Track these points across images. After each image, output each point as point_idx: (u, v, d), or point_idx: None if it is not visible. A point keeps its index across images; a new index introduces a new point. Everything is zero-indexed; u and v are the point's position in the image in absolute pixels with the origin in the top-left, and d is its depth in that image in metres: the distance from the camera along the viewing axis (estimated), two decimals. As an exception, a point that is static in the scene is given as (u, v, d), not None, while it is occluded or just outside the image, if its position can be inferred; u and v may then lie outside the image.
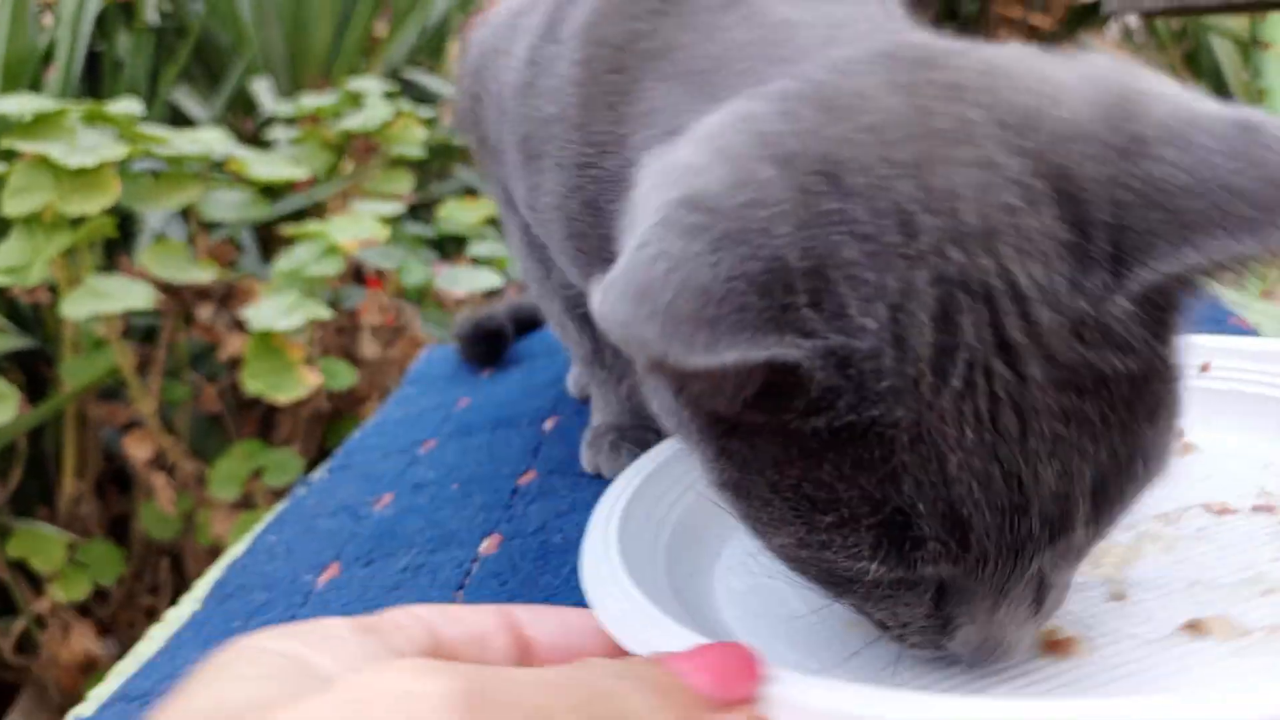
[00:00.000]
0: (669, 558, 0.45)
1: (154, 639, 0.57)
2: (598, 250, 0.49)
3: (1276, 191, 0.29)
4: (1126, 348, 0.31)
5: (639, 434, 0.62)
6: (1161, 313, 0.31)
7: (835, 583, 0.36)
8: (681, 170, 0.33)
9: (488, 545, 0.56)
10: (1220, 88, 2.69)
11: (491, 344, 0.91)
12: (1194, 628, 0.37)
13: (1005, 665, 0.37)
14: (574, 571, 0.51)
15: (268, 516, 0.70)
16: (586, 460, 0.64)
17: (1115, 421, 0.31)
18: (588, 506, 0.58)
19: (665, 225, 0.31)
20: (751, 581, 0.44)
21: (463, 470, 0.68)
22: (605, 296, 0.30)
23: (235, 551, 0.65)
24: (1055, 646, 0.38)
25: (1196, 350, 0.37)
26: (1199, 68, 2.79)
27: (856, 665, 0.38)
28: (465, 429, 0.75)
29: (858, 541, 0.32)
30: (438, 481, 0.66)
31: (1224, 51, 2.61)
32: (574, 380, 0.79)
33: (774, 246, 0.30)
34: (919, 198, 0.31)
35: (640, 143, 0.43)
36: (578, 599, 0.48)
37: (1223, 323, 0.68)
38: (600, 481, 0.62)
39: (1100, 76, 0.34)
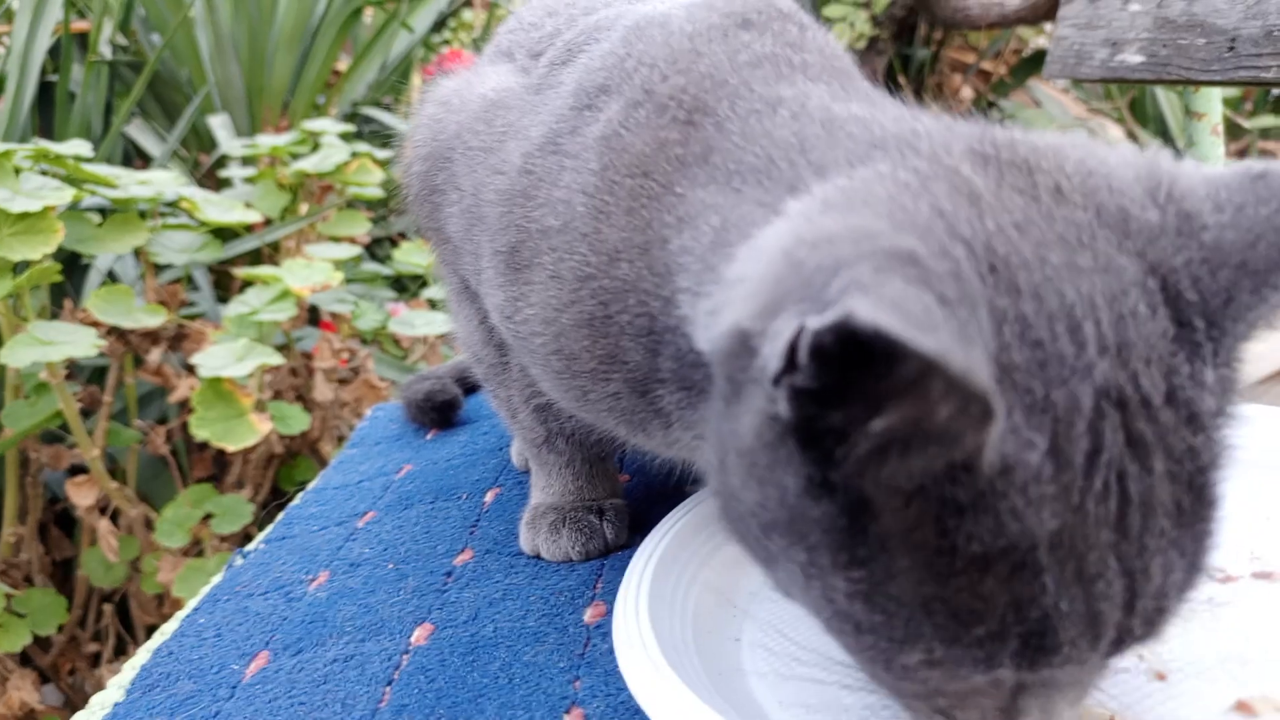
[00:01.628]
0: (696, 623, 0.47)
1: (78, 728, 0.56)
2: (587, 361, 0.49)
3: None
4: (1213, 425, 0.33)
5: (580, 515, 0.62)
6: (1235, 382, 0.34)
7: (938, 693, 0.35)
8: (871, 232, 0.32)
9: (419, 635, 0.56)
10: (1164, 133, 2.77)
11: (442, 413, 0.90)
12: (1243, 708, 0.39)
13: None
14: (502, 669, 0.51)
15: (204, 591, 0.69)
16: (525, 541, 0.64)
17: (1198, 512, 0.33)
18: (522, 594, 0.58)
19: (883, 268, 0.29)
20: (776, 664, 0.46)
21: (399, 548, 0.67)
22: (875, 304, 0.27)
23: (167, 630, 0.64)
24: None
25: None
26: (1143, 115, 2.86)
27: None
28: (405, 500, 0.75)
29: (998, 650, 0.32)
30: (373, 560, 0.66)
31: (1167, 100, 2.68)
32: (517, 452, 0.79)
33: (979, 323, 0.30)
34: (1080, 305, 0.32)
35: (681, 245, 0.43)
36: (504, 699, 0.48)
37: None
38: (536, 563, 0.62)
39: (1134, 161, 0.37)
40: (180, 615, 0.66)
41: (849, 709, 0.43)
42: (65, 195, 1.30)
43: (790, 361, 0.28)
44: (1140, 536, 0.32)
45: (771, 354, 0.29)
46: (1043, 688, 0.35)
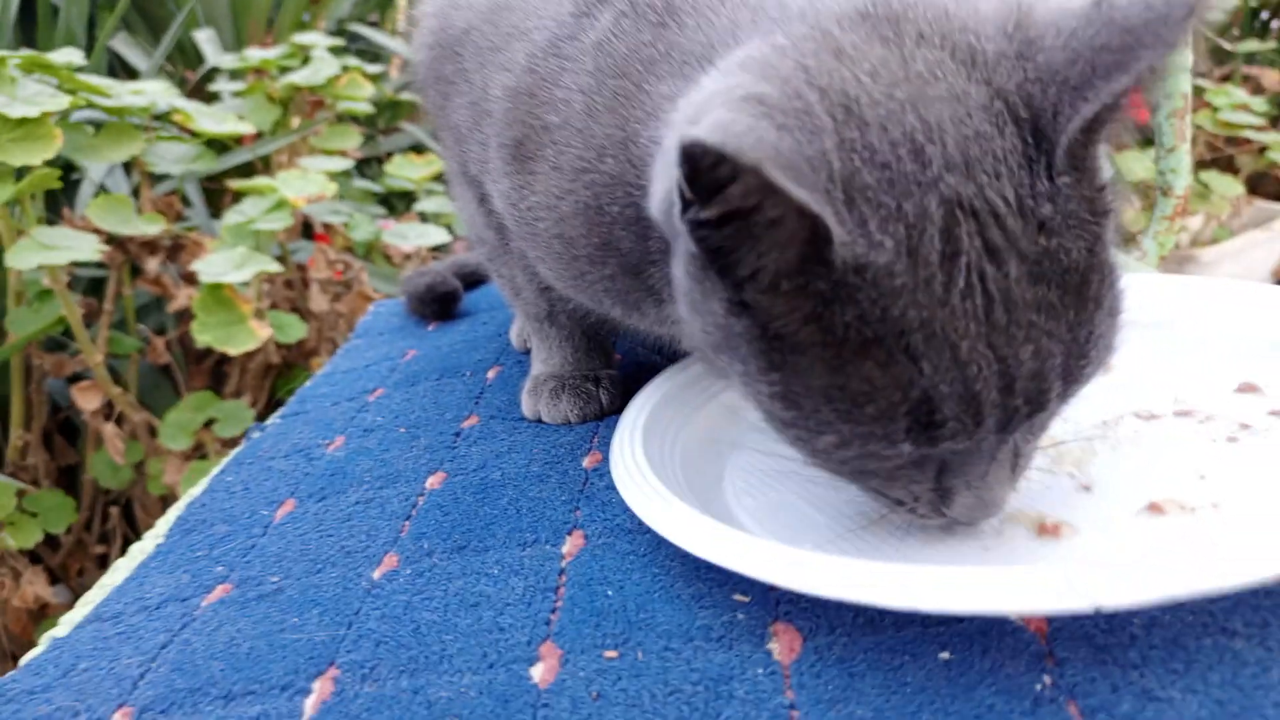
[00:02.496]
0: (684, 466, 0.53)
1: (119, 569, 0.61)
2: (584, 246, 0.54)
3: (1125, 35, 0.37)
4: (1072, 230, 0.39)
5: (578, 383, 0.67)
6: (1092, 186, 0.40)
7: (866, 472, 0.42)
8: (737, 86, 0.39)
9: (433, 481, 0.61)
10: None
11: (443, 304, 0.95)
12: (1154, 508, 0.46)
13: (1010, 546, 0.44)
14: (510, 503, 0.56)
15: (224, 460, 0.74)
16: (527, 407, 0.69)
17: (1074, 308, 0.39)
18: (525, 448, 0.64)
19: (732, 106, 0.37)
20: (755, 486, 0.53)
21: (409, 415, 0.72)
22: (709, 127, 0.35)
23: (194, 491, 0.69)
24: (1046, 530, 0.46)
25: None
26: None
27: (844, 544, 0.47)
28: (411, 379, 0.80)
29: (894, 428, 0.39)
30: (386, 426, 0.71)
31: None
32: (517, 333, 0.83)
33: (822, 149, 0.37)
34: (922, 130, 0.38)
35: (650, 137, 0.48)
36: (513, 525, 0.54)
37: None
38: (537, 425, 0.67)
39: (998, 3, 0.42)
40: (206, 478, 0.71)
41: (818, 526, 0.48)
42: (62, 102, 1.31)
43: (687, 205, 0.36)
44: (1008, 328, 0.38)
45: (678, 201, 0.37)
46: (965, 466, 0.42)
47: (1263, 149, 2.70)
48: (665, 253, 0.50)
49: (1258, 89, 2.87)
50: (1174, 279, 0.66)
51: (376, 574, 0.51)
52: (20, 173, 1.31)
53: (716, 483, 0.54)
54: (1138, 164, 2.37)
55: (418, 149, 2.56)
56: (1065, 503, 0.47)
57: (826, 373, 0.39)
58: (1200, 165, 2.81)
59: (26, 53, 1.39)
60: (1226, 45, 2.75)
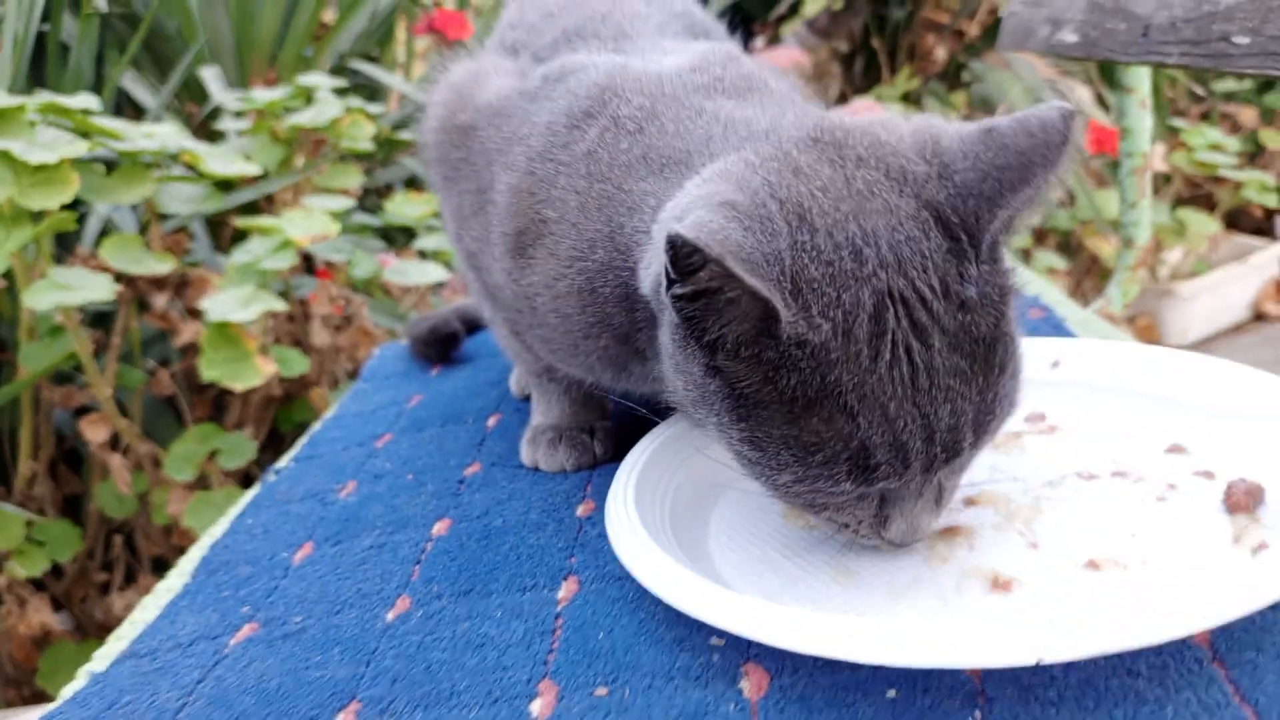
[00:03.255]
0: (673, 519, 0.59)
1: (147, 607, 0.66)
2: (579, 322, 0.62)
3: (1020, 158, 0.48)
4: (986, 308, 0.48)
5: (574, 434, 0.73)
6: (1000, 274, 0.49)
7: (816, 504, 0.51)
8: (715, 193, 0.49)
9: (439, 528, 0.67)
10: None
11: (445, 346, 1.01)
12: (1092, 564, 0.52)
13: (967, 599, 0.51)
14: (511, 549, 0.62)
15: (242, 501, 0.79)
16: (526, 455, 0.75)
17: (983, 374, 0.48)
18: (524, 495, 0.69)
19: (710, 209, 0.47)
20: (737, 540, 0.59)
21: (416, 462, 0.78)
22: (689, 224, 0.45)
23: (216, 532, 0.74)
24: (999, 585, 0.52)
25: (1051, 349, 0.66)
26: (1111, 77, 2.96)
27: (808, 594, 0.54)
28: (417, 424, 0.85)
29: (837, 471, 0.48)
30: (394, 472, 0.76)
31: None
32: (515, 381, 0.89)
33: (777, 249, 0.46)
34: (861, 235, 0.47)
35: (634, 227, 0.57)
36: (514, 571, 0.59)
37: (1070, 334, 0.82)
38: (535, 473, 0.73)
39: (917, 129, 0.52)
40: (225, 518, 0.76)
41: (793, 579, 0.54)
42: (79, 148, 1.37)
43: (667, 276, 0.45)
44: (930, 391, 0.47)
45: (662, 285, 0.46)
46: (898, 500, 0.50)
47: (1239, 185, 2.78)
48: (651, 322, 0.58)
49: (1235, 127, 2.95)
50: (1115, 345, 0.72)
51: (391, 615, 0.57)
52: (37, 215, 1.36)
53: (702, 530, 0.60)
54: (1110, 202, 2.45)
55: (415, 182, 2.63)
56: (1015, 560, 0.53)
57: (783, 424, 0.47)
58: (1179, 202, 2.89)
59: (44, 98, 1.45)
60: (1199, 89, 2.83)
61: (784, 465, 0.48)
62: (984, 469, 0.61)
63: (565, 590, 0.57)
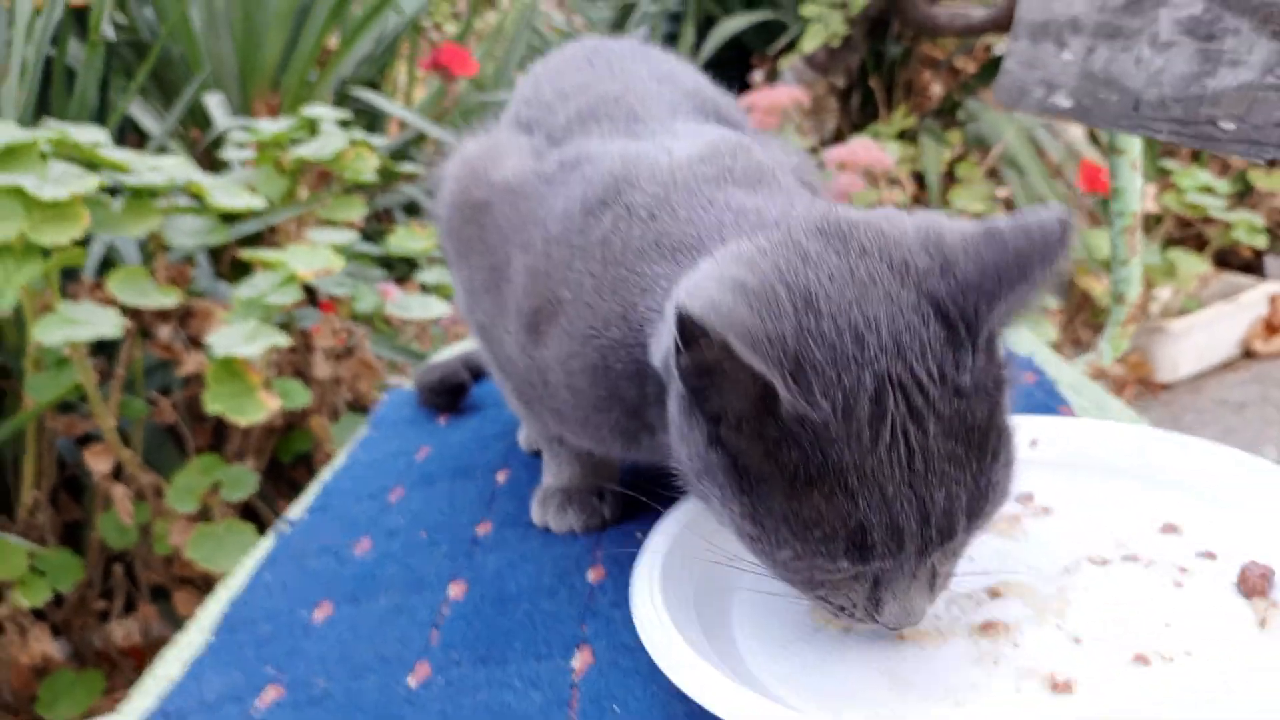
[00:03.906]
0: (697, 599, 0.61)
1: (170, 661, 0.68)
2: (591, 396, 0.65)
3: (1019, 256, 0.50)
4: (981, 396, 0.50)
5: (584, 497, 0.76)
6: (995, 365, 0.52)
7: (813, 583, 0.53)
8: (727, 273, 0.52)
9: (455, 590, 0.69)
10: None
11: (454, 396, 1.04)
12: (1140, 659, 0.53)
13: (1034, 707, 0.51)
14: (525, 616, 0.64)
15: (257, 553, 0.81)
16: (536, 515, 0.77)
17: (976, 460, 0.50)
18: (536, 558, 0.72)
19: (720, 288, 0.50)
20: (769, 644, 0.59)
21: (428, 518, 0.80)
22: (700, 302, 0.48)
23: (233, 585, 0.76)
24: (1059, 687, 0.52)
25: (1035, 428, 0.67)
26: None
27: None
28: (428, 478, 0.88)
29: (834, 549, 0.49)
30: (408, 528, 0.79)
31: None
32: (524, 437, 0.92)
33: (781, 330, 0.49)
34: (863, 321, 0.49)
35: (647, 307, 0.60)
36: (528, 638, 0.62)
37: (1055, 410, 0.84)
38: (546, 535, 0.75)
39: (920, 225, 0.55)
40: (243, 572, 0.78)
41: (848, 690, 0.54)
42: (90, 183, 1.39)
43: (676, 351, 0.48)
44: (925, 474, 0.49)
45: (671, 363, 0.49)
46: (891, 580, 0.52)
47: (1229, 225, 2.83)
48: (660, 398, 0.60)
49: (1225, 167, 3.00)
50: (1094, 425, 0.74)
51: (412, 682, 0.59)
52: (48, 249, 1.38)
53: (727, 630, 0.60)
54: (1101, 241, 2.49)
55: (415, 209, 2.65)
56: (1064, 657, 0.54)
57: (783, 500, 0.49)
58: (1170, 239, 2.94)
59: (54, 131, 1.47)
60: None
61: (784, 541, 0.50)
62: (993, 556, 0.61)
63: (579, 660, 0.59)
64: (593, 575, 0.68)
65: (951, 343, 0.50)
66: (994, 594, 0.60)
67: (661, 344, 0.56)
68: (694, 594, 0.61)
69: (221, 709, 0.59)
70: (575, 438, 0.71)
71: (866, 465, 0.48)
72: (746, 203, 0.61)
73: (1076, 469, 0.71)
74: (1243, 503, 0.65)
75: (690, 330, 0.46)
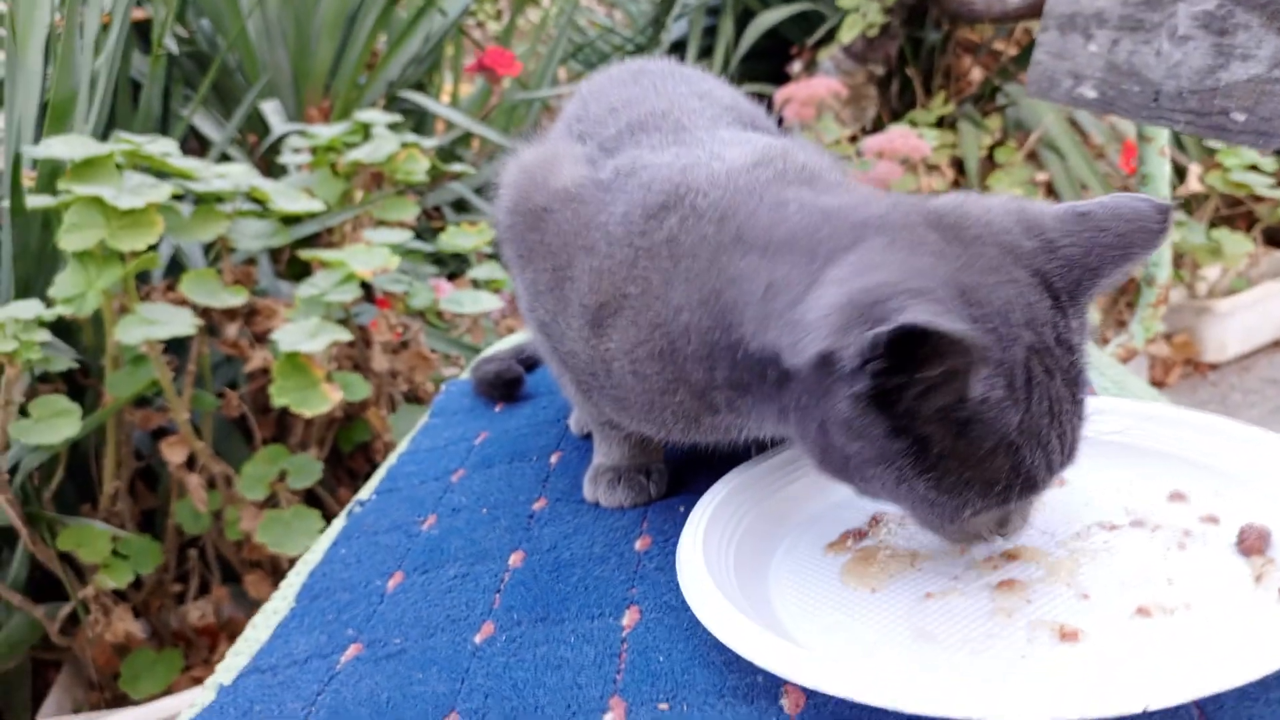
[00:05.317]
0: (736, 563, 0.66)
1: (258, 627, 0.76)
2: (658, 380, 0.70)
3: (1120, 238, 0.59)
4: (1079, 350, 0.59)
5: (632, 475, 0.82)
6: (1084, 323, 0.60)
7: (961, 525, 0.61)
8: (899, 282, 0.54)
9: (515, 559, 0.75)
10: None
11: (510, 388, 1.10)
12: (1142, 611, 0.59)
13: (1040, 651, 0.56)
14: (579, 581, 0.70)
15: (332, 531, 0.88)
16: (588, 492, 0.84)
17: (1080, 401, 0.59)
18: (588, 530, 0.78)
19: (919, 302, 0.52)
20: (806, 607, 0.65)
21: (489, 497, 0.87)
22: (912, 317, 0.50)
23: (310, 560, 0.84)
24: (1067, 635, 0.57)
25: None
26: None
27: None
28: (487, 461, 0.94)
29: (1010, 494, 0.58)
30: (470, 506, 0.85)
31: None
32: (575, 421, 0.98)
33: (965, 326, 0.53)
34: (1004, 302, 0.57)
35: (735, 296, 0.64)
36: (582, 601, 0.68)
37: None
38: (597, 509, 0.82)
39: (1007, 208, 0.62)
40: (319, 546, 0.85)
41: (874, 643, 0.60)
42: (164, 192, 1.48)
43: (864, 358, 0.52)
44: (1060, 417, 0.58)
45: (852, 356, 0.52)
46: (1023, 505, 0.63)
47: (1278, 203, 2.80)
48: (729, 380, 0.66)
49: (1269, 144, 2.96)
50: (1119, 403, 0.78)
51: (478, 639, 0.65)
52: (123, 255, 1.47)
53: (762, 578, 0.66)
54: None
55: (463, 205, 2.73)
56: (1072, 610, 0.59)
57: (969, 469, 0.57)
58: (1218, 217, 2.91)
59: (127, 144, 1.56)
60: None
61: (968, 502, 0.58)
62: None
63: (628, 618, 0.65)
64: (639, 544, 0.75)
65: (1057, 309, 0.58)
66: (1011, 557, 0.65)
67: (811, 348, 0.56)
68: (734, 562, 0.67)
69: (309, 664, 0.66)
70: (635, 423, 0.76)
71: (1027, 423, 0.56)
72: (823, 202, 0.65)
73: (1092, 444, 0.75)
74: (1249, 473, 0.69)
75: (908, 346, 0.50)
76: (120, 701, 1.68)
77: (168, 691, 1.63)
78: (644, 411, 0.73)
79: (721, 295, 0.65)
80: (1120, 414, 0.77)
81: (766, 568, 0.68)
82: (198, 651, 1.78)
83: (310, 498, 1.80)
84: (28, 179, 1.66)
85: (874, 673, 0.50)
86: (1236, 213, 2.94)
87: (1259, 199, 2.83)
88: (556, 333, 0.77)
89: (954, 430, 0.56)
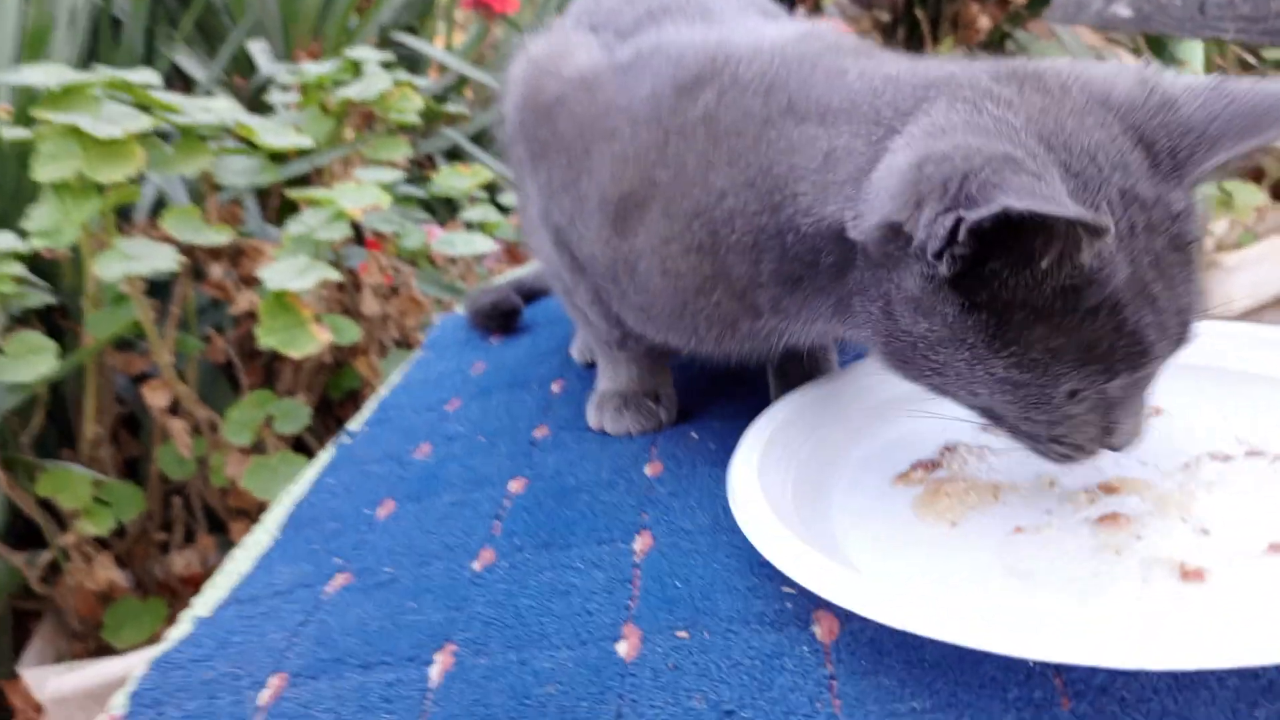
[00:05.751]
0: (796, 499, 0.59)
1: (239, 559, 0.70)
2: (692, 279, 0.63)
3: (1254, 110, 0.51)
4: (1188, 219, 0.52)
5: (640, 400, 0.76)
6: (1189, 199, 0.52)
7: (1066, 420, 0.53)
8: (984, 147, 0.48)
9: (516, 486, 0.70)
10: (1177, 63, 2.83)
11: (507, 319, 1.05)
12: (1274, 548, 0.50)
13: (1158, 592, 0.49)
14: (586, 506, 0.65)
15: (319, 462, 0.83)
16: (592, 419, 0.78)
17: (1193, 270, 0.52)
18: (594, 456, 0.73)
19: (1011, 170, 0.47)
20: (860, 507, 0.60)
21: (486, 425, 0.81)
22: (1012, 195, 0.45)
23: (296, 491, 0.78)
24: (1190, 575, 0.49)
25: None
26: (1158, 46, 2.92)
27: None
28: (484, 390, 0.89)
29: (1115, 364, 0.50)
30: (467, 434, 0.80)
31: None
32: (578, 349, 0.93)
33: (1054, 180, 0.48)
34: (1089, 145, 0.50)
35: (790, 166, 0.58)
36: (590, 526, 0.63)
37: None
38: (602, 437, 0.76)
39: (1132, 69, 0.55)
40: (305, 478, 0.80)
41: (961, 584, 0.52)
42: (144, 122, 1.41)
43: (946, 243, 0.46)
44: (1170, 277, 0.51)
45: (931, 236, 0.47)
46: (1123, 404, 0.54)
47: (1286, 158, 2.74)
48: (777, 274, 0.60)
49: (1282, 97, 2.90)
50: (1212, 325, 0.70)
51: (477, 566, 0.60)
52: (102, 187, 1.41)
53: (824, 513, 0.59)
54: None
55: (457, 153, 2.66)
56: (1192, 547, 0.52)
57: (1061, 335, 0.49)
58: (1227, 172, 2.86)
59: (107, 74, 1.49)
60: (1250, 58, 2.79)
61: (1061, 375, 0.50)
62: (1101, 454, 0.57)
63: (640, 543, 0.60)
64: (650, 470, 0.69)
65: (1156, 173, 0.51)
66: (1109, 489, 0.57)
67: (865, 220, 0.52)
68: (793, 498, 0.59)
69: (293, 594, 0.61)
70: (659, 333, 0.69)
71: (1134, 278, 0.49)
72: (885, 68, 0.58)
73: (1184, 370, 0.62)
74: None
75: (1019, 229, 0.45)
76: (103, 651, 1.64)
77: (152, 641, 1.59)
78: (672, 318, 0.66)
79: (771, 172, 0.58)
80: (1215, 335, 0.64)
81: (829, 504, 0.61)
82: (182, 600, 1.73)
83: (298, 445, 1.75)
84: (3, 112, 1.59)
85: (996, 618, 0.43)
86: (1245, 165, 2.88)
87: (1267, 150, 2.77)
88: (574, 237, 0.70)
89: (1049, 293, 0.49)
